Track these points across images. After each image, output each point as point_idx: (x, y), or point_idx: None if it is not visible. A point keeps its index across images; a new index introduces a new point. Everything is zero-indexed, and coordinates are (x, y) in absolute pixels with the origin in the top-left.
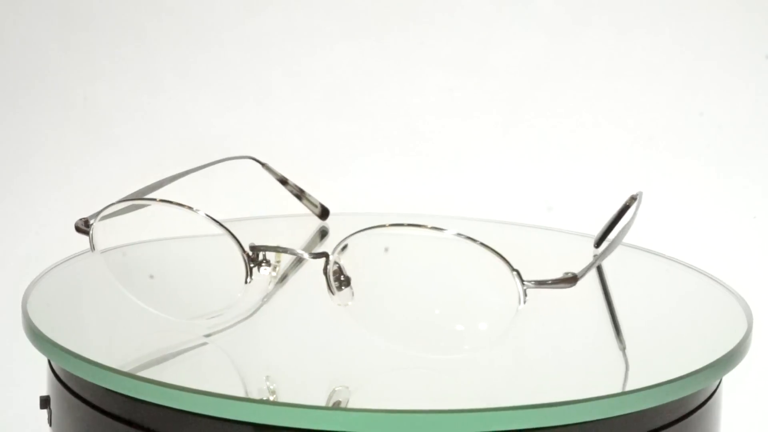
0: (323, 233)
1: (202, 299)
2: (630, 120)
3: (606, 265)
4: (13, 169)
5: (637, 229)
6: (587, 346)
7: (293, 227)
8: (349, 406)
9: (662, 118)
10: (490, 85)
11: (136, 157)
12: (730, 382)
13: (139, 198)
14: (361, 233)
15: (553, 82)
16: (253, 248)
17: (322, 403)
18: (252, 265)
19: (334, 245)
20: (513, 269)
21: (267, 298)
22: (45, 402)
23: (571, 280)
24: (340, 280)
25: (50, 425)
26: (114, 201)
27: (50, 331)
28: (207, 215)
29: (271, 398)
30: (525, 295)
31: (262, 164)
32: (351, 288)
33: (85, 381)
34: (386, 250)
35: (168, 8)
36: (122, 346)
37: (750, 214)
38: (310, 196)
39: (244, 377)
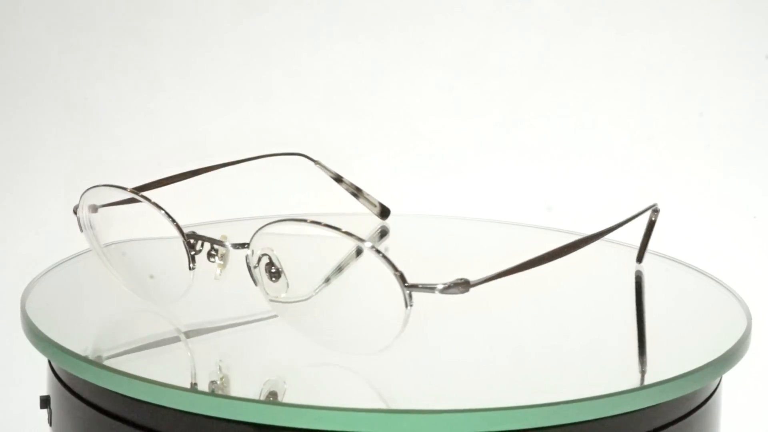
0: (383, 233)
1: (165, 284)
2: (630, 120)
3: (606, 265)
4: (13, 169)
5: (637, 228)
6: (587, 345)
7: (352, 225)
8: (351, 404)
9: (662, 118)
10: (490, 85)
11: (136, 157)
12: (730, 382)
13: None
14: (274, 224)
15: (553, 82)
16: (191, 236)
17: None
18: (192, 252)
19: (253, 236)
20: (396, 272)
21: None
22: (45, 402)
23: (463, 285)
24: (271, 272)
25: (50, 425)
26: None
27: (50, 332)
28: (166, 214)
29: (218, 391)
30: (410, 298)
31: (315, 161)
32: (285, 280)
33: (85, 381)
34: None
35: (168, 8)
36: (122, 346)
37: (750, 214)
38: (368, 194)
39: (244, 377)
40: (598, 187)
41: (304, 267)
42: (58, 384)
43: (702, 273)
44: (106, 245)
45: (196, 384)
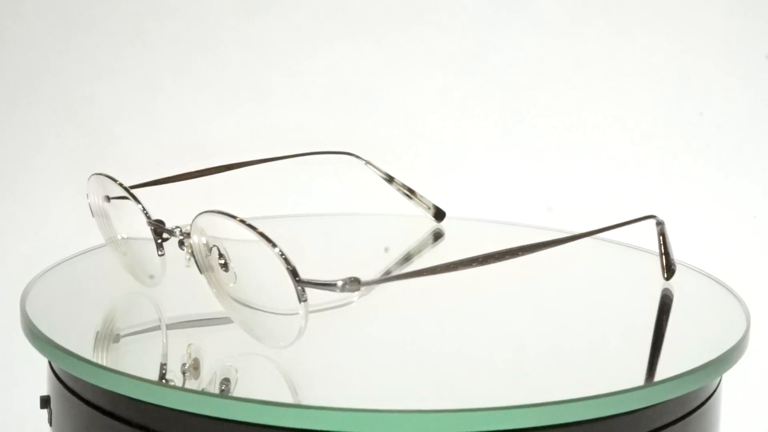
0: (437, 235)
1: (148, 268)
2: (630, 120)
3: (605, 264)
4: (13, 169)
5: (637, 229)
6: (587, 345)
7: (405, 227)
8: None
9: (662, 118)
10: (490, 85)
11: (136, 157)
12: (729, 382)
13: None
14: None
15: (553, 82)
16: (154, 222)
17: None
18: (158, 239)
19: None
20: (288, 266)
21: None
22: (45, 402)
23: (352, 283)
24: (221, 264)
25: (50, 425)
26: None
27: (50, 332)
28: (138, 203)
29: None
30: (303, 293)
31: (365, 161)
32: (232, 271)
33: (85, 381)
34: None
35: (168, 9)
36: (121, 345)
37: (750, 214)
38: (421, 196)
39: (243, 376)
40: (598, 188)
41: (235, 261)
42: (58, 384)
43: (702, 273)
44: (120, 236)
45: (165, 374)
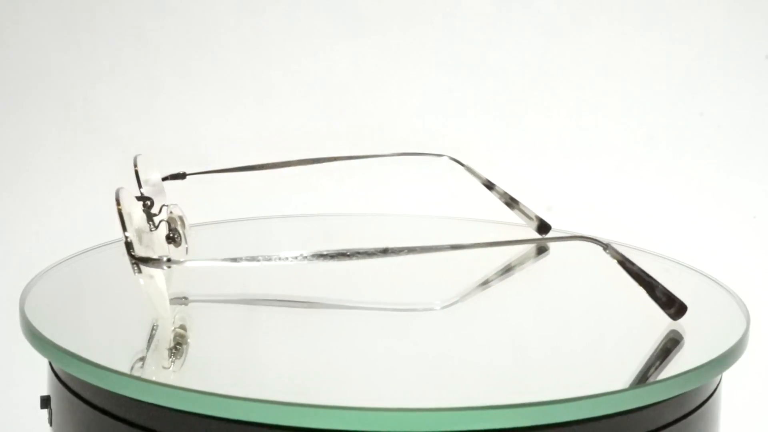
0: (541, 249)
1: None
2: (630, 120)
3: (605, 264)
4: (13, 169)
5: (637, 229)
6: (587, 345)
7: (506, 234)
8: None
9: (662, 118)
10: (490, 85)
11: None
12: (729, 383)
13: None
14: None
15: (553, 82)
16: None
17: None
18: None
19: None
20: (126, 241)
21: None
22: (45, 402)
23: (167, 262)
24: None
25: (50, 425)
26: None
27: (50, 332)
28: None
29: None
30: (137, 267)
31: (464, 165)
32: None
33: (85, 381)
34: None
35: (168, 9)
36: (122, 346)
37: (750, 214)
38: (524, 206)
39: (244, 375)
40: (598, 187)
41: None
42: (59, 384)
43: (701, 273)
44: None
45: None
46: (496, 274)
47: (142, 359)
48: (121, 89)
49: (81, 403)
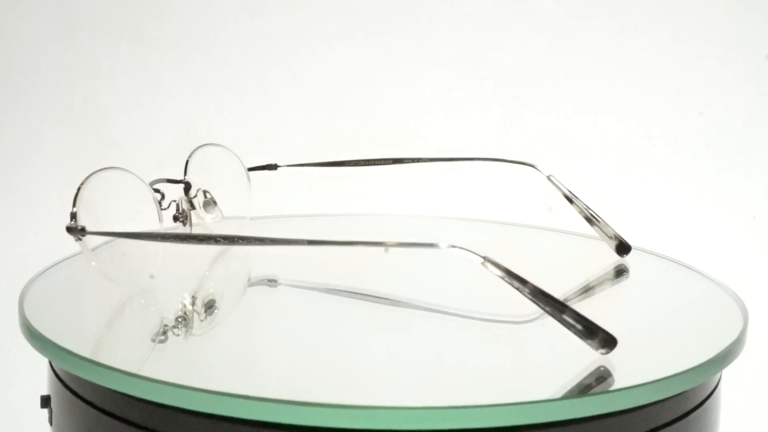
0: (619, 272)
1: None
2: (630, 120)
3: (602, 263)
4: (13, 169)
5: (636, 229)
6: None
7: (586, 250)
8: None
9: (662, 118)
10: (490, 85)
11: (136, 157)
12: (729, 383)
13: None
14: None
15: (553, 82)
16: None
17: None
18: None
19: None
20: (71, 213)
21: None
22: (45, 401)
23: (80, 231)
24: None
25: (50, 425)
26: None
27: (50, 332)
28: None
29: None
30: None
31: (547, 176)
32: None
33: (85, 381)
34: None
35: (168, 8)
36: (121, 345)
37: (749, 214)
38: (605, 224)
39: (244, 374)
40: (598, 187)
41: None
42: (59, 384)
43: (701, 273)
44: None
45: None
46: (575, 293)
47: (165, 332)
48: (121, 89)
49: (81, 402)
